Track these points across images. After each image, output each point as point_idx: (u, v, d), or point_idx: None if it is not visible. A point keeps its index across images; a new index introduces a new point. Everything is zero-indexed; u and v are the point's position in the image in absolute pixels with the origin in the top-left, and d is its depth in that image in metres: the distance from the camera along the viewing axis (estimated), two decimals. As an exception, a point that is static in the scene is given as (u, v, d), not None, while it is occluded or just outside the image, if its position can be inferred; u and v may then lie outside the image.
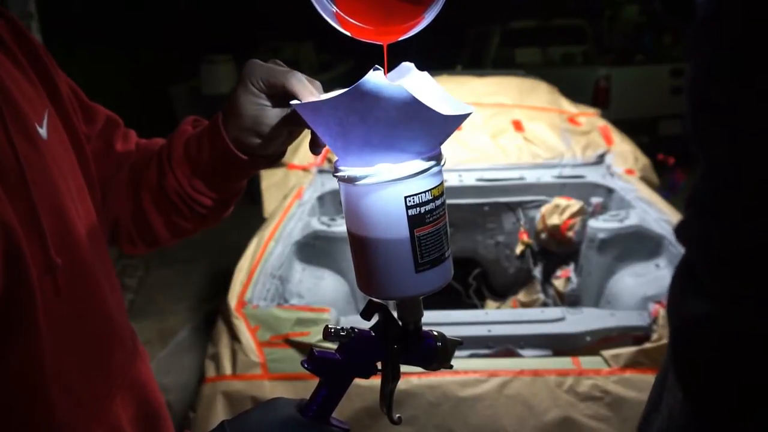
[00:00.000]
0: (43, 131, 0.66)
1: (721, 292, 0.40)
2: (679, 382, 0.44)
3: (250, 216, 2.94)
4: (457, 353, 0.69)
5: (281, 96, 0.67)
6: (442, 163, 0.59)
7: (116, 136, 0.84)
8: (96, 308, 0.71)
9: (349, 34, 0.60)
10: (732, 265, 0.39)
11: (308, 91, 0.64)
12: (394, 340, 0.63)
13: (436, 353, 0.65)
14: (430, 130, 0.56)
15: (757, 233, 0.37)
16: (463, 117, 0.57)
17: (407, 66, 0.63)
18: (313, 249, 2.42)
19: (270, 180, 2.95)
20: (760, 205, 0.38)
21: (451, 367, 0.66)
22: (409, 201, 0.56)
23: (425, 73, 0.63)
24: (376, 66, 0.52)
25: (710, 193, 0.42)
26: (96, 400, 0.69)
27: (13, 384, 0.60)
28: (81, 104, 0.80)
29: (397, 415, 0.63)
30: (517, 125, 3.10)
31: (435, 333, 0.66)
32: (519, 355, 1.77)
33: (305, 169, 2.98)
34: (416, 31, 0.61)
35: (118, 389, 0.73)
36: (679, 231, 0.44)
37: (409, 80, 0.62)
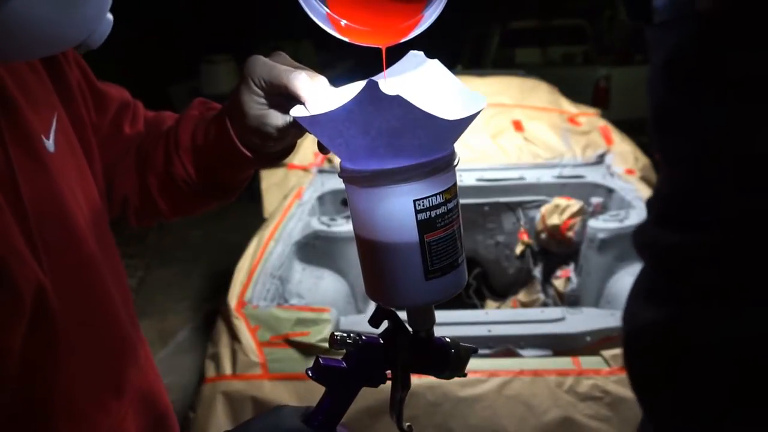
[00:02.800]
0: (49, 143, 0.64)
1: (672, 300, 0.39)
2: (633, 392, 0.44)
3: (250, 216, 2.94)
4: None
5: (284, 96, 0.63)
6: (454, 163, 0.55)
7: (125, 119, 0.82)
8: (108, 325, 0.69)
9: (344, 38, 0.57)
10: (680, 273, 0.39)
11: (311, 93, 0.60)
12: (404, 348, 0.60)
13: (449, 362, 0.61)
14: (437, 135, 0.52)
15: (701, 242, 0.37)
16: (472, 117, 0.54)
17: (415, 55, 0.59)
18: (313, 249, 2.42)
19: (270, 180, 2.95)
20: (704, 214, 0.38)
21: (464, 375, 0.63)
22: (419, 205, 0.53)
23: (435, 61, 0.59)
24: (371, 79, 0.49)
25: (663, 199, 0.41)
26: (105, 417, 0.68)
27: (26, 406, 0.59)
28: (92, 91, 0.78)
29: (407, 424, 0.61)
30: (517, 125, 3.10)
31: (447, 340, 0.62)
32: (519, 355, 1.77)
33: (305, 169, 2.98)
34: (417, 33, 0.57)
35: (129, 405, 0.72)
36: (634, 236, 0.44)
37: (416, 74, 0.58)
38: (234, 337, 1.76)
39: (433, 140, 0.53)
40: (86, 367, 0.65)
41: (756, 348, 0.36)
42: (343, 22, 0.55)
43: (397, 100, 0.49)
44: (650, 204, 0.43)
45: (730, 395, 0.37)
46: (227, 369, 1.70)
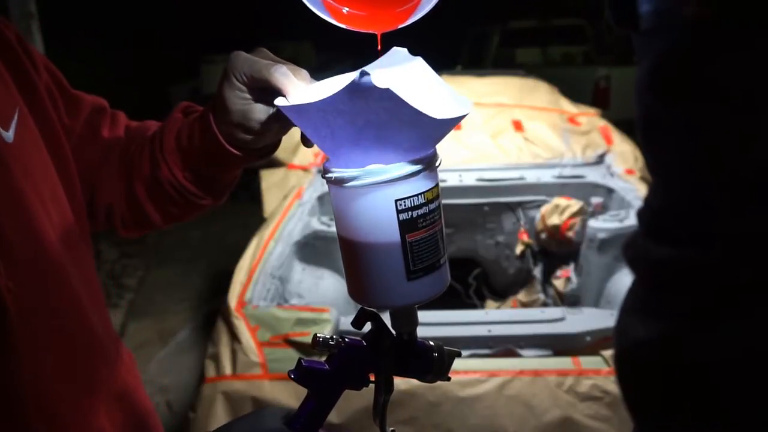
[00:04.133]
0: (8, 134, 0.63)
1: (664, 316, 0.39)
2: (626, 407, 0.43)
3: (250, 216, 2.95)
4: None
5: (266, 90, 0.63)
6: (436, 164, 0.56)
7: (103, 122, 0.81)
8: (73, 320, 0.69)
9: (340, 24, 0.56)
10: (673, 289, 0.38)
11: (293, 85, 0.60)
12: (387, 351, 0.60)
13: (432, 365, 0.61)
14: (423, 132, 0.53)
15: (694, 257, 0.36)
16: (458, 118, 0.54)
17: (399, 51, 0.59)
18: (313, 249, 2.42)
19: (270, 180, 2.95)
20: (697, 228, 0.37)
21: (448, 379, 0.63)
22: (400, 205, 0.53)
23: (419, 59, 0.58)
24: (363, 70, 0.49)
25: (654, 211, 0.41)
26: (77, 414, 0.67)
27: None
28: (63, 95, 0.77)
29: (391, 429, 0.61)
30: (517, 125, 3.10)
31: (431, 343, 0.62)
32: (519, 355, 1.77)
33: (305, 169, 2.98)
34: (414, 19, 0.56)
35: (102, 402, 0.71)
36: (625, 248, 0.43)
37: (401, 71, 0.58)
38: (234, 337, 1.76)
39: (418, 137, 0.53)
40: (52, 363, 0.64)
41: (750, 367, 0.35)
42: (345, 9, 0.55)
43: (388, 93, 0.49)
44: (641, 215, 0.42)
45: (723, 414, 0.37)
46: (227, 369, 1.70)
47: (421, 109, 0.50)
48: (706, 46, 0.35)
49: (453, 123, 0.54)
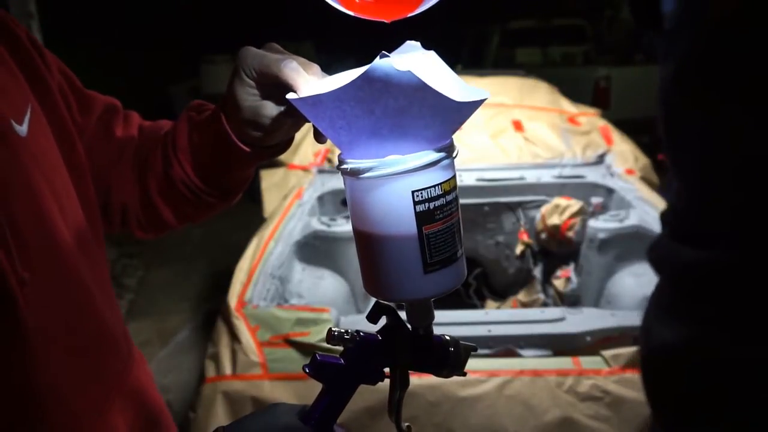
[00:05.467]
0: (22, 128, 0.63)
1: (691, 319, 0.39)
2: (650, 407, 0.43)
3: (250, 216, 2.94)
4: None
5: (277, 86, 0.61)
6: (453, 154, 0.55)
7: (116, 121, 0.81)
8: (86, 315, 0.69)
9: (348, 12, 0.55)
10: (699, 291, 0.38)
11: (303, 80, 0.59)
12: (403, 345, 0.59)
13: (448, 360, 0.61)
14: (443, 118, 0.52)
15: (720, 259, 0.36)
16: (478, 103, 0.53)
17: (412, 45, 0.58)
18: (313, 249, 2.42)
19: (270, 180, 2.95)
20: (723, 230, 0.37)
21: (464, 374, 0.62)
22: (417, 196, 0.52)
23: (432, 53, 0.58)
24: (384, 52, 0.47)
25: (679, 214, 0.40)
26: (92, 410, 0.67)
27: (6, 398, 0.59)
28: (76, 94, 0.77)
29: (406, 424, 0.60)
30: (517, 125, 3.10)
31: (447, 338, 0.62)
32: (519, 355, 1.77)
33: (305, 169, 2.98)
34: (425, 8, 0.55)
35: (115, 397, 0.71)
36: (650, 250, 0.43)
37: (416, 63, 0.56)
38: (234, 337, 1.76)
39: (438, 124, 0.52)
40: (64, 357, 0.64)
41: None
42: None
43: (408, 75, 0.48)
44: (665, 217, 0.42)
45: (749, 415, 0.37)
46: (227, 369, 1.70)
47: (442, 92, 0.49)
48: (733, 46, 0.34)
49: (472, 108, 0.53)
